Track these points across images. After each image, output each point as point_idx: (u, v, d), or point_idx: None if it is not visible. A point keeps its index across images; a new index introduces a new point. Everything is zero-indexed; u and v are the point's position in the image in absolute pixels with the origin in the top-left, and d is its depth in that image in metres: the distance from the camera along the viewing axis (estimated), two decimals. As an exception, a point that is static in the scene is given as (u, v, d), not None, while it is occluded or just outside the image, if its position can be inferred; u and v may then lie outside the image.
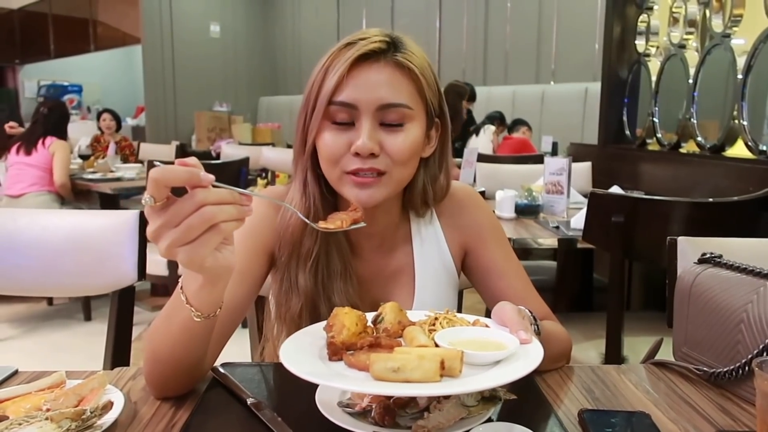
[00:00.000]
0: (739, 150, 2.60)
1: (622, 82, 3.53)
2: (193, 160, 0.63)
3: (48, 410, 0.68)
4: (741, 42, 2.57)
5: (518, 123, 5.14)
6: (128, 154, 5.20)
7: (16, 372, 0.87)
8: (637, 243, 1.75)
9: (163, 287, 3.40)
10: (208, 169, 0.63)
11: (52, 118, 3.88)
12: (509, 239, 1.08)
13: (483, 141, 4.83)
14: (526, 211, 2.44)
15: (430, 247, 1.01)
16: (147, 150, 5.43)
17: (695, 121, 2.89)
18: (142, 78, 8.37)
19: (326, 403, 0.72)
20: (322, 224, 0.77)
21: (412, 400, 0.70)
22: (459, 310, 1.08)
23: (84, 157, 4.99)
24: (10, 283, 1.26)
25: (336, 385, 0.64)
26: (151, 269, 2.79)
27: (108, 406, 0.70)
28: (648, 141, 3.33)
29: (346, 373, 0.67)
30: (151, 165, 3.36)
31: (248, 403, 0.75)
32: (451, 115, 1.00)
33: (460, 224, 1.03)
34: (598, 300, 2.69)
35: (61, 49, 9.99)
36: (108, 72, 10.82)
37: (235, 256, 0.69)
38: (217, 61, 8.88)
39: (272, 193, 1.05)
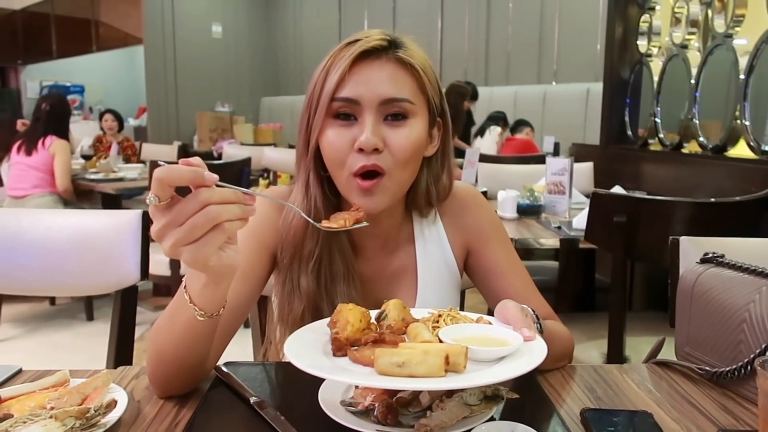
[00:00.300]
0: (741, 150, 2.60)
1: (624, 83, 3.53)
2: (197, 159, 0.64)
3: (52, 408, 0.68)
4: (743, 42, 2.57)
5: (521, 124, 5.14)
6: (130, 155, 5.21)
7: (19, 371, 0.87)
8: (639, 243, 1.75)
9: (166, 287, 3.41)
10: (211, 169, 0.64)
11: (54, 114, 3.80)
12: (511, 239, 1.08)
13: (488, 142, 4.83)
14: (528, 211, 2.44)
15: (432, 247, 1.02)
16: (149, 150, 5.44)
17: (697, 122, 2.88)
18: (144, 78, 8.38)
19: (329, 402, 0.72)
20: (325, 223, 0.78)
21: (414, 399, 0.71)
22: (461, 310, 1.08)
23: (86, 158, 5.00)
24: (14, 282, 1.27)
25: (340, 378, 0.64)
26: (153, 269, 2.78)
27: (112, 404, 0.70)
28: (650, 141, 3.33)
29: (350, 368, 0.68)
30: (153, 165, 3.37)
31: (251, 401, 0.75)
32: (453, 115, 1.01)
33: (462, 224, 1.03)
34: (600, 300, 2.69)
35: (63, 49, 10.00)
36: (110, 72, 10.83)
37: (239, 256, 0.69)
38: (219, 62, 8.88)
39: (275, 193, 1.05)
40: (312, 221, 0.80)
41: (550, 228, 2.20)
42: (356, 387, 0.74)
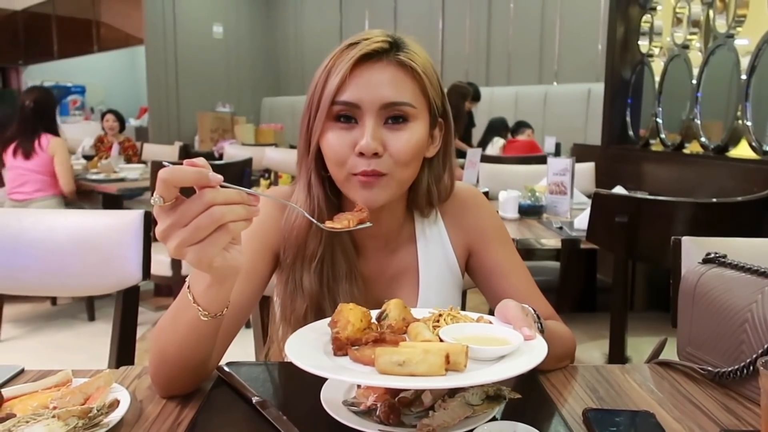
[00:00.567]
0: (742, 150, 2.60)
1: (626, 83, 3.53)
2: (201, 160, 0.64)
3: (55, 408, 0.68)
4: (745, 42, 2.57)
5: (521, 125, 5.14)
6: (131, 155, 5.21)
7: (22, 371, 0.87)
8: (641, 243, 1.75)
9: (167, 288, 3.41)
10: (212, 169, 0.64)
11: (39, 109, 3.59)
12: (512, 240, 1.08)
13: (491, 153, 4.82)
14: (530, 211, 2.44)
15: (434, 247, 1.02)
16: (150, 151, 5.45)
17: (699, 122, 2.88)
18: (146, 79, 8.39)
19: (331, 402, 0.72)
20: (328, 224, 0.78)
21: (417, 399, 0.71)
22: (462, 311, 1.08)
23: (87, 158, 5.00)
24: (15, 283, 1.27)
25: (341, 378, 0.64)
26: (155, 269, 2.79)
27: (114, 404, 0.70)
28: (651, 141, 3.33)
29: (351, 368, 0.68)
30: (154, 165, 3.37)
31: (253, 401, 0.75)
32: (454, 116, 1.00)
33: (464, 224, 1.03)
34: (602, 300, 2.69)
35: (64, 50, 10.01)
36: (111, 73, 10.84)
37: (243, 256, 0.69)
38: (220, 62, 8.89)
39: (276, 193, 1.05)
40: (315, 221, 0.80)
41: (552, 228, 2.19)
42: (358, 387, 0.74)
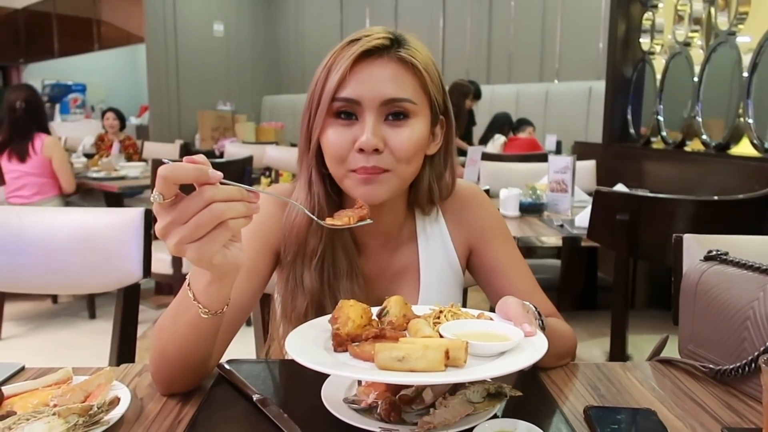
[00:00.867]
0: (744, 148, 2.59)
1: (627, 81, 3.52)
2: (201, 157, 0.63)
3: (55, 406, 0.68)
4: (746, 40, 2.57)
5: (523, 123, 5.13)
6: (132, 153, 5.21)
7: (22, 368, 0.87)
8: (642, 241, 1.75)
9: (168, 285, 3.41)
10: (212, 167, 0.64)
11: (31, 109, 3.46)
12: (513, 238, 1.08)
13: (490, 151, 4.81)
14: (531, 209, 2.44)
15: (435, 245, 1.01)
16: (151, 149, 5.45)
17: (700, 120, 2.88)
18: (146, 77, 8.39)
19: (332, 400, 0.72)
20: (329, 221, 0.77)
21: (417, 396, 0.70)
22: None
23: (88, 156, 5.00)
24: (16, 281, 1.27)
25: (341, 373, 0.64)
26: (155, 267, 2.78)
27: (115, 401, 0.70)
28: (653, 139, 3.33)
29: (351, 364, 0.68)
30: (155, 163, 3.37)
31: (254, 399, 0.75)
32: (455, 114, 1.00)
33: (465, 222, 1.03)
34: (603, 298, 2.68)
35: (65, 48, 10.01)
36: (112, 71, 10.83)
37: (244, 253, 0.69)
38: (221, 61, 8.89)
39: (277, 191, 1.05)
40: (316, 219, 0.80)
41: (553, 226, 2.19)
42: (359, 384, 0.74)
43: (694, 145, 2.99)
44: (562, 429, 0.71)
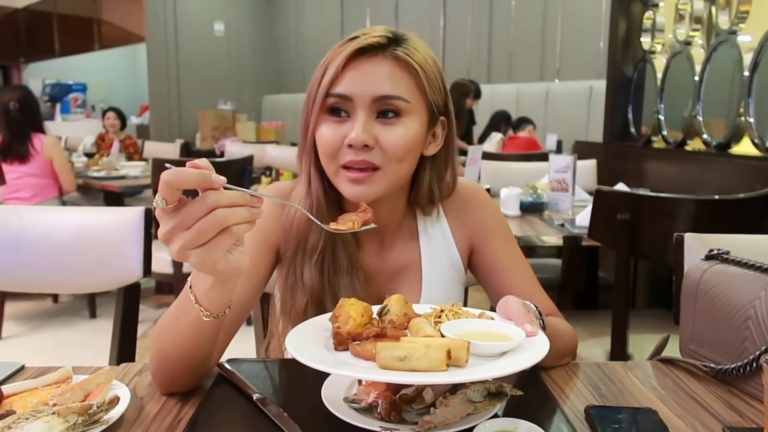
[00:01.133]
0: (745, 147, 2.59)
1: (628, 80, 3.52)
2: (204, 162, 0.63)
3: (55, 405, 0.68)
4: (747, 39, 2.56)
5: (523, 121, 5.13)
6: (132, 153, 5.21)
7: (22, 368, 0.87)
8: (643, 240, 1.75)
9: (168, 285, 3.41)
10: (214, 168, 0.63)
11: (26, 109, 3.42)
12: (515, 236, 1.08)
13: (488, 149, 4.81)
14: (531, 208, 2.43)
15: (437, 243, 1.01)
16: (151, 148, 5.45)
17: (701, 119, 2.88)
18: (147, 76, 8.39)
19: (332, 399, 0.72)
20: (333, 225, 0.77)
21: (418, 396, 0.70)
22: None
23: (89, 156, 5.00)
24: (17, 280, 1.27)
25: (342, 372, 0.64)
26: (156, 267, 2.78)
27: (114, 401, 0.70)
28: (653, 139, 3.32)
29: (352, 363, 0.67)
30: (155, 163, 3.37)
31: (254, 398, 0.75)
32: (456, 114, 1.00)
33: (466, 220, 1.03)
34: (603, 298, 2.68)
35: (65, 47, 10.00)
36: (113, 71, 10.83)
37: (246, 257, 0.69)
38: (221, 60, 8.88)
39: (277, 189, 1.05)
40: (320, 223, 0.78)
41: (553, 225, 2.19)
42: (359, 384, 0.74)
43: (694, 145, 2.99)
44: (563, 428, 0.71)
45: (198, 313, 0.71)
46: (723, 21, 2.69)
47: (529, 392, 0.74)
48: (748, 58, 2.50)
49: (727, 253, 0.92)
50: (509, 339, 0.70)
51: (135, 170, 4.19)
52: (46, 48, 10.12)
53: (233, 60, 9.02)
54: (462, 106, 4.73)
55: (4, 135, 3.44)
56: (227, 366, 0.85)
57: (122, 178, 4.01)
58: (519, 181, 2.65)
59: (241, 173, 3.47)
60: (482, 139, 5.07)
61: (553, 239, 2.09)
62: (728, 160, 2.56)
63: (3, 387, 0.73)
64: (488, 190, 2.26)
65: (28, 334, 2.89)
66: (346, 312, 0.72)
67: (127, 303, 1.22)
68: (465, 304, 1.16)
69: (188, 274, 0.75)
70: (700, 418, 0.74)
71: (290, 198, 0.95)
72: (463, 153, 3.56)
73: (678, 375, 0.88)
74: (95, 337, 2.32)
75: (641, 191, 2.26)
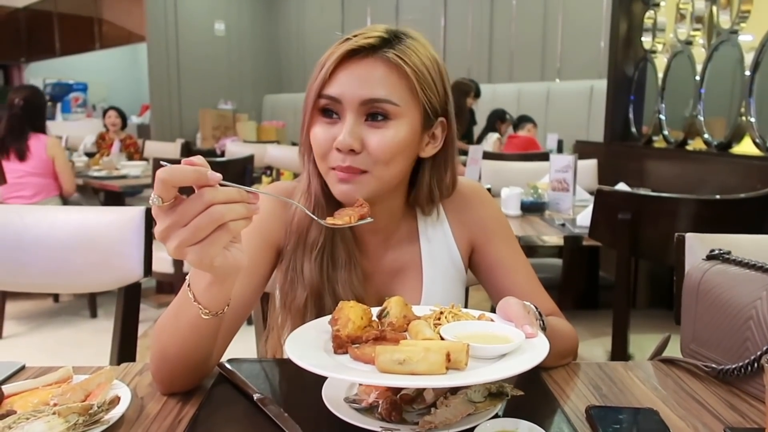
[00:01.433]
0: (746, 147, 2.59)
1: (628, 80, 3.52)
2: (199, 159, 0.63)
3: (55, 405, 0.68)
4: (749, 38, 2.56)
5: (523, 120, 5.12)
6: (133, 152, 5.21)
7: (23, 367, 0.87)
8: (644, 240, 1.74)
9: (169, 284, 3.41)
10: (214, 167, 0.63)
11: (29, 108, 3.42)
12: (515, 236, 1.08)
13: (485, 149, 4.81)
14: (532, 208, 2.43)
15: (437, 243, 1.01)
16: (152, 148, 5.45)
17: (702, 118, 2.88)
18: (147, 76, 8.39)
19: (333, 399, 0.72)
20: (329, 220, 0.77)
21: (419, 396, 0.70)
22: (465, 307, 1.08)
23: (89, 155, 5.00)
24: (18, 280, 1.27)
25: (341, 376, 0.64)
26: (156, 266, 2.78)
27: (115, 401, 0.70)
28: (654, 138, 3.32)
29: (351, 366, 0.67)
30: (156, 163, 3.36)
31: (255, 398, 0.75)
32: (456, 113, 0.99)
33: (467, 220, 1.02)
34: (604, 298, 2.68)
35: (66, 47, 10.00)
36: (113, 70, 10.83)
37: (244, 254, 0.69)
38: (222, 60, 8.89)
39: (279, 189, 1.05)
40: (317, 218, 0.80)
41: (554, 225, 2.19)
42: (360, 384, 0.74)
43: (695, 144, 2.99)
44: (564, 429, 0.70)
45: (197, 312, 0.71)
46: (724, 20, 2.69)
47: (529, 392, 0.74)
48: (749, 58, 2.50)
49: (729, 253, 0.92)
50: (509, 341, 0.70)
51: (135, 170, 4.19)
52: (46, 47, 10.13)
53: (234, 59, 9.02)
54: (462, 106, 4.73)
55: (4, 130, 3.44)
56: (228, 366, 0.85)
57: (123, 177, 4.01)
58: (520, 180, 2.65)
59: (241, 173, 3.47)
60: (479, 141, 5.07)
61: (554, 239, 2.09)
62: (729, 160, 2.55)
63: (3, 387, 0.73)
64: (489, 189, 2.26)
65: (28, 334, 2.89)
66: (346, 315, 0.72)
67: (128, 302, 1.22)
68: (466, 304, 1.16)
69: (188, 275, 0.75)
70: (701, 419, 0.74)
71: (292, 194, 0.96)
72: (464, 153, 3.56)
73: (679, 375, 0.88)
74: (96, 337, 2.32)
75: (642, 191, 2.26)
